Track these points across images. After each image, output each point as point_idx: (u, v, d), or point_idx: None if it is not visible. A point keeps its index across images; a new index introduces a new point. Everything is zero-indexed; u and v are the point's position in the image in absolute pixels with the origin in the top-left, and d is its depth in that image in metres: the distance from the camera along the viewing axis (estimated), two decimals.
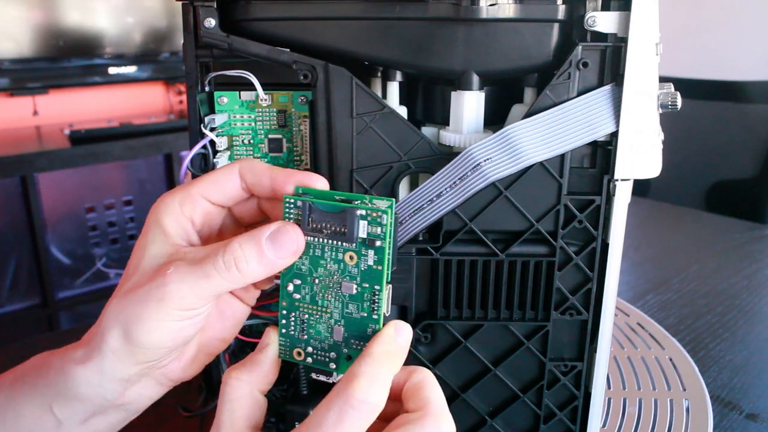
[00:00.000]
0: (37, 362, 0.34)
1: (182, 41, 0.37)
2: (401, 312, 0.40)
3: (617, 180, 0.36)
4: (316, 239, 0.30)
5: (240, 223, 0.35)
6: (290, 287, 0.31)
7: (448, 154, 0.36)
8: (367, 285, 0.30)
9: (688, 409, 0.53)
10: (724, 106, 1.42)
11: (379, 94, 0.39)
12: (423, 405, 0.29)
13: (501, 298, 0.39)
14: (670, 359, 0.61)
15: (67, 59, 1.75)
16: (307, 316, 0.31)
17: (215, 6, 0.35)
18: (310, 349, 0.32)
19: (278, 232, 0.29)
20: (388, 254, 0.29)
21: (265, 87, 0.38)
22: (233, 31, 0.36)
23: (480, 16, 0.34)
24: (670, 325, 0.69)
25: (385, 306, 0.30)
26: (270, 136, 0.40)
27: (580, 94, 0.35)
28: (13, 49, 1.67)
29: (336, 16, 0.36)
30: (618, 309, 0.71)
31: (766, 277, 0.82)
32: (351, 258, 0.30)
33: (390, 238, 0.29)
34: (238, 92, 0.40)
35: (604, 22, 0.34)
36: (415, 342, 0.40)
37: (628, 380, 0.57)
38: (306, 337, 0.32)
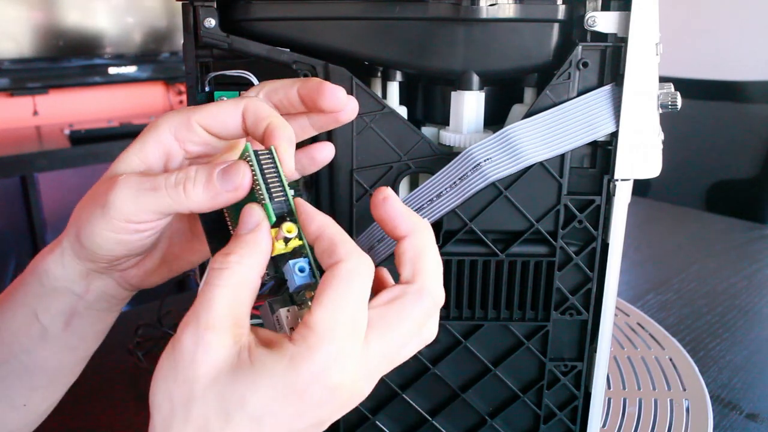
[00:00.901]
0: (23, 274, 0.35)
1: (182, 41, 0.37)
2: None
3: (617, 180, 0.36)
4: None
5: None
6: None
7: (448, 154, 0.36)
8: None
9: (688, 409, 0.53)
10: (724, 106, 1.42)
11: (379, 94, 0.39)
12: (414, 277, 0.29)
13: (501, 298, 0.39)
14: (670, 359, 0.61)
15: (67, 59, 1.76)
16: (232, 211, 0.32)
17: (215, 6, 0.35)
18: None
19: (230, 167, 0.29)
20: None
21: None
22: (233, 31, 0.36)
23: (480, 16, 0.34)
24: (670, 325, 0.69)
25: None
26: None
27: (580, 94, 0.35)
28: (13, 49, 1.67)
29: (336, 16, 0.36)
30: (618, 309, 0.71)
31: (766, 277, 0.82)
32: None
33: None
34: (238, 92, 0.40)
35: (604, 22, 0.34)
36: None
37: (628, 380, 0.57)
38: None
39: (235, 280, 0.27)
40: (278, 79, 0.33)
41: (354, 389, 0.27)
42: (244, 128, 0.32)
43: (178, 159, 0.32)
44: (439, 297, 0.29)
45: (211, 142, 0.32)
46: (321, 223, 0.28)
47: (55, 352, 0.35)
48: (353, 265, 0.27)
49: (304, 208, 0.29)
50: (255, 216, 0.29)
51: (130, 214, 0.30)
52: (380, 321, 0.27)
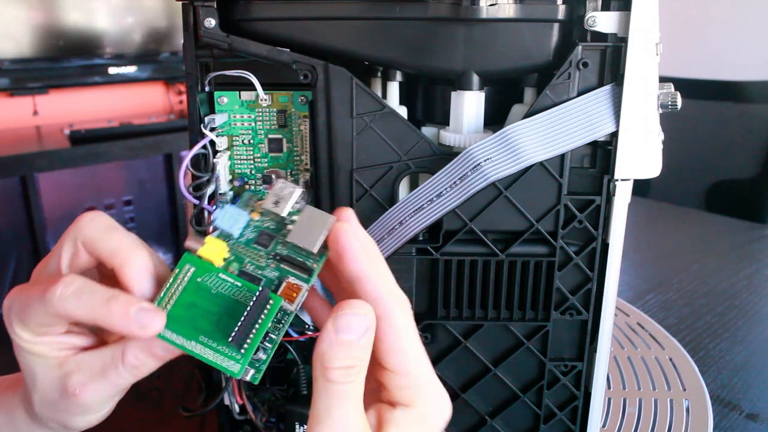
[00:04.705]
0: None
1: (182, 41, 0.37)
2: None
3: (617, 180, 0.36)
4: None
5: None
6: None
7: (448, 154, 0.36)
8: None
9: (688, 409, 0.53)
10: (724, 106, 1.42)
11: (379, 94, 0.39)
12: (410, 397, 0.29)
13: (501, 298, 0.39)
14: (670, 359, 0.61)
15: (67, 59, 1.76)
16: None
17: (215, 6, 0.35)
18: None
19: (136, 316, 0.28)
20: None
21: (265, 87, 0.38)
22: (233, 31, 0.36)
23: (480, 16, 0.34)
24: (670, 325, 0.69)
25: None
26: (270, 136, 0.40)
27: (580, 94, 0.35)
28: (13, 49, 1.67)
29: (336, 16, 0.36)
30: (618, 309, 0.71)
31: (766, 277, 0.82)
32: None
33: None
34: (238, 92, 0.40)
35: (604, 22, 0.34)
36: None
37: (628, 380, 0.57)
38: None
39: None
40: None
41: None
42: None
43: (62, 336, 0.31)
44: (447, 410, 0.30)
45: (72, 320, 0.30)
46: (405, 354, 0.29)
47: None
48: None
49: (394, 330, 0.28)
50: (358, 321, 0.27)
51: (108, 401, 0.31)
52: None
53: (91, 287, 0.28)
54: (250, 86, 0.37)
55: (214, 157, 0.38)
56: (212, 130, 0.38)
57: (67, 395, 0.30)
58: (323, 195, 0.38)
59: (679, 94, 0.35)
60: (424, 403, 0.29)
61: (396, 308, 0.28)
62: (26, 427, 0.33)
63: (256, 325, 0.28)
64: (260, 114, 0.40)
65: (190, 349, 0.29)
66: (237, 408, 0.41)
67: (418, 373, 0.29)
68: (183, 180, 0.35)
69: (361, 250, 0.29)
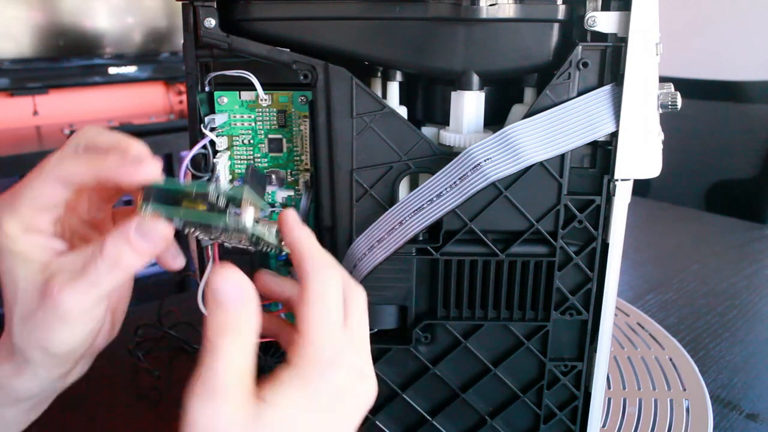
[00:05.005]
0: None
1: (182, 41, 0.37)
2: (401, 312, 0.40)
3: (617, 180, 0.36)
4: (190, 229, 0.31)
5: (104, 199, 0.35)
6: None
7: (448, 154, 0.36)
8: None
9: (688, 409, 0.53)
10: (724, 106, 1.42)
11: (379, 94, 0.39)
12: (295, 355, 0.29)
13: (501, 298, 0.39)
14: (670, 359, 0.61)
15: (67, 59, 1.76)
16: None
17: (215, 6, 0.35)
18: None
19: (141, 225, 0.29)
20: (255, 218, 0.31)
21: (265, 87, 0.38)
22: (233, 31, 0.36)
23: (480, 16, 0.34)
24: (670, 325, 0.69)
25: (271, 237, 0.32)
26: (270, 136, 0.40)
27: (580, 94, 0.35)
28: (13, 49, 1.67)
29: (336, 16, 0.36)
30: (618, 309, 0.71)
31: (766, 277, 0.82)
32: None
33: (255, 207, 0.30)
34: (238, 92, 0.40)
35: (604, 22, 0.34)
36: (415, 342, 0.40)
37: (628, 380, 0.57)
38: None
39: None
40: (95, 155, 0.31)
41: None
42: (73, 189, 0.31)
43: (49, 243, 0.32)
44: (349, 390, 0.30)
45: (58, 215, 0.32)
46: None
47: (6, 427, 0.35)
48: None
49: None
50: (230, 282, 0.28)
51: (88, 310, 0.30)
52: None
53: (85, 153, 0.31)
54: (250, 86, 0.37)
55: (214, 157, 0.38)
56: (212, 130, 0.38)
57: (45, 300, 0.30)
58: (323, 195, 0.38)
59: (679, 94, 0.35)
60: (308, 365, 0.29)
61: (315, 272, 0.30)
62: (8, 380, 0.33)
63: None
64: (260, 114, 0.40)
65: (175, 213, 0.29)
66: None
67: (313, 336, 0.29)
68: (183, 180, 0.35)
69: (299, 222, 0.32)
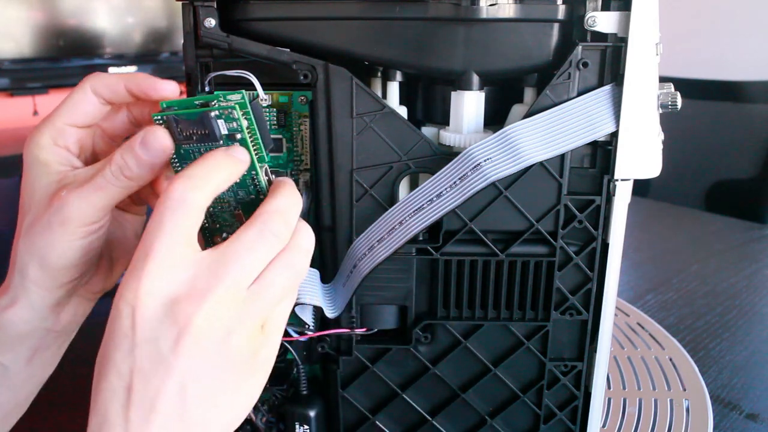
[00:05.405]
0: None
1: (182, 41, 0.37)
2: (401, 312, 0.40)
3: (617, 180, 0.36)
4: (191, 145, 0.32)
5: (115, 140, 0.37)
6: None
7: (448, 154, 0.36)
8: (245, 171, 0.32)
9: (688, 409, 0.53)
10: (724, 106, 1.42)
11: (379, 94, 0.39)
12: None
13: (501, 298, 0.39)
14: (670, 359, 0.61)
15: (67, 59, 1.75)
16: (211, 208, 0.34)
17: (215, 6, 0.35)
18: (225, 234, 0.35)
19: (145, 135, 0.31)
20: (252, 141, 0.32)
21: (265, 87, 0.38)
22: (233, 31, 0.36)
23: (480, 16, 0.34)
24: (670, 325, 0.69)
25: (264, 181, 0.33)
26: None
27: (580, 94, 0.35)
28: (13, 49, 1.67)
29: (336, 16, 0.36)
30: (618, 309, 0.71)
31: (766, 277, 0.82)
32: None
33: (251, 125, 0.32)
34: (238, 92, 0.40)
35: (604, 22, 0.34)
36: (415, 342, 0.40)
37: (628, 380, 0.57)
38: (218, 225, 0.35)
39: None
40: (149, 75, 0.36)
41: None
42: (104, 102, 0.35)
43: (71, 159, 0.35)
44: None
45: (83, 135, 0.35)
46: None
47: (11, 387, 0.35)
48: None
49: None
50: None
51: (88, 218, 0.32)
52: None
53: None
54: (250, 86, 0.37)
55: None
56: None
57: (53, 203, 0.32)
58: (323, 195, 0.38)
59: (679, 94, 0.35)
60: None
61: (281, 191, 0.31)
62: (2, 310, 0.34)
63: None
64: None
65: (184, 109, 0.31)
66: None
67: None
68: None
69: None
